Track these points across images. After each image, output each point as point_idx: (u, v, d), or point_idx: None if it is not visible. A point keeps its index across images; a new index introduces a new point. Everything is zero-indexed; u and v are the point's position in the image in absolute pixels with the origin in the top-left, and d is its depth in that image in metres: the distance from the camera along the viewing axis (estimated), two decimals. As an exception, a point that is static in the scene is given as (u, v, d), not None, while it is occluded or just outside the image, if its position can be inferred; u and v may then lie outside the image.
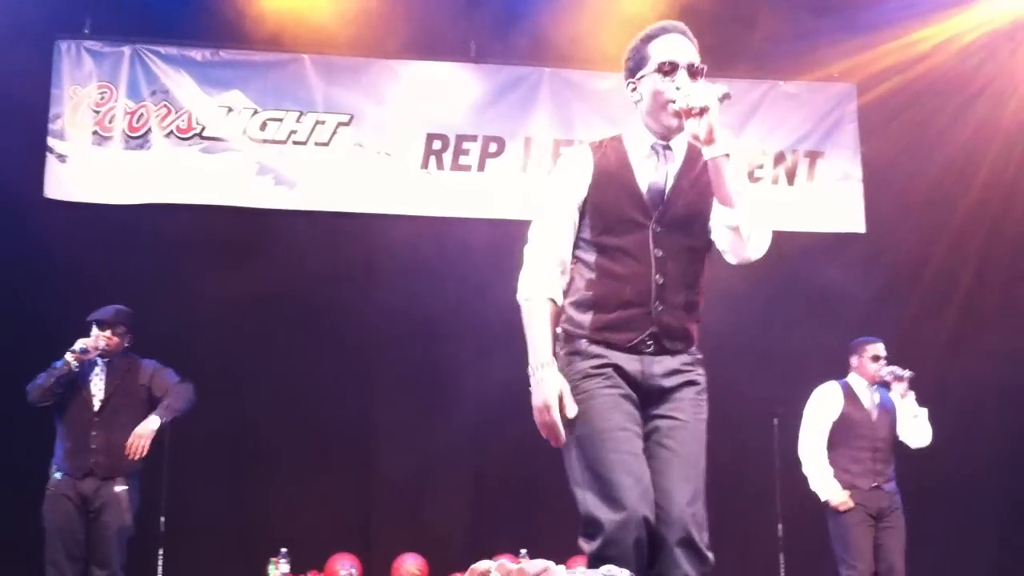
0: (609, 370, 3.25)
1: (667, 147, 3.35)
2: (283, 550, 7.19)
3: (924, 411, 6.74)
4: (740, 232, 3.18)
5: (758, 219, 3.21)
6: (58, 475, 6.31)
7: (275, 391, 8.01)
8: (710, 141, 3.11)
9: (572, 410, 3.20)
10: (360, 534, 7.96)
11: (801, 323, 8.26)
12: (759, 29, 8.47)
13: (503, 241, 8.03)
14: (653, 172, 3.33)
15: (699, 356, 3.38)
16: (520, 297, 3.36)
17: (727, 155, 3.15)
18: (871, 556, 6.55)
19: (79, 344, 6.32)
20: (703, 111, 3.08)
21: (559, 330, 3.38)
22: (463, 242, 8.27)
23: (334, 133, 8.43)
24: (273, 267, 7.94)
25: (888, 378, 6.75)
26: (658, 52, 3.32)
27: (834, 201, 8.93)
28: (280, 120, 8.38)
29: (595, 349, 3.27)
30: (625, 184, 3.31)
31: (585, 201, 3.35)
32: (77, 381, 6.39)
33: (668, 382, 3.28)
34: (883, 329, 8.35)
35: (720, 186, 3.17)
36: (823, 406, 6.82)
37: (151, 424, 6.32)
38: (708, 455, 3.35)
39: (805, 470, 6.76)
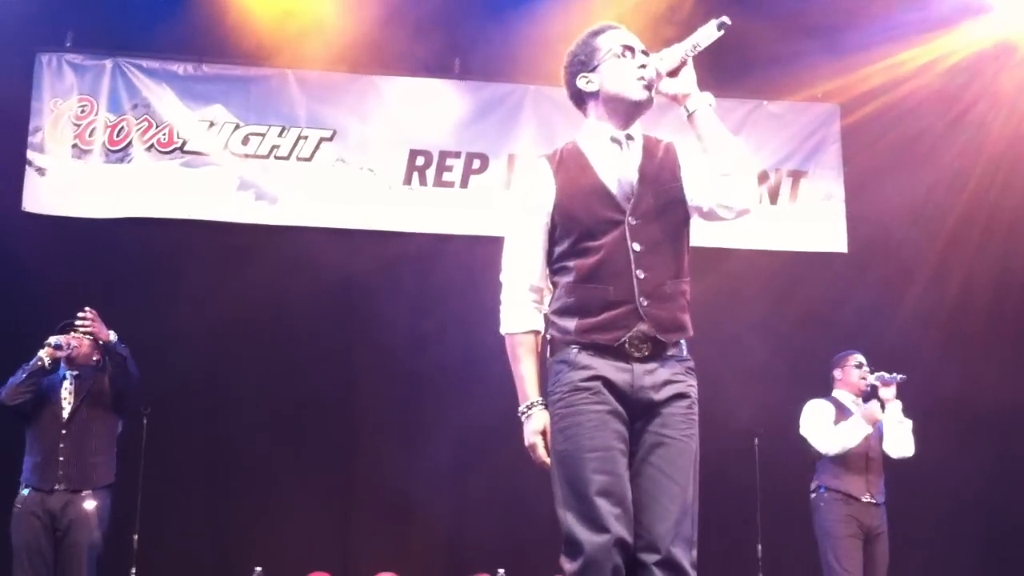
0: (598, 384, 3.16)
1: (629, 136, 3.32)
2: (258, 568, 7.12)
3: (909, 422, 6.64)
4: (733, 178, 3.18)
5: (747, 164, 3.23)
6: (26, 491, 6.23)
7: (253, 407, 7.96)
8: (693, 92, 3.19)
9: (555, 442, 3.21)
10: (337, 552, 7.88)
11: (783, 342, 8.26)
12: (744, 49, 8.46)
13: (486, 257, 8.00)
14: (618, 164, 3.28)
15: (690, 363, 3.29)
16: (503, 331, 3.35)
17: (711, 104, 3.20)
18: (862, 569, 6.40)
19: (53, 339, 6.28)
20: (680, 68, 3.18)
21: (547, 336, 3.33)
22: (446, 259, 8.24)
23: (316, 148, 8.40)
24: (254, 283, 7.89)
25: (877, 383, 6.66)
26: (611, 40, 3.33)
27: (817, 221, 8.93)
28: (262, 135, 8.35)
29: (584, 359, 3.19)
30: (593, 185, 3.25)
31: (553, 214, 3.29)
32: (48, 393, 6.33)
33: (658, 395, 3.19)
34: (866, 349, 8.37)
35: (709, 134, 3.19)
36: (818, 414, 6.64)
37: (106, 334, 6.29)
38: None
39: (846, 444, 6.48)
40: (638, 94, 3.25)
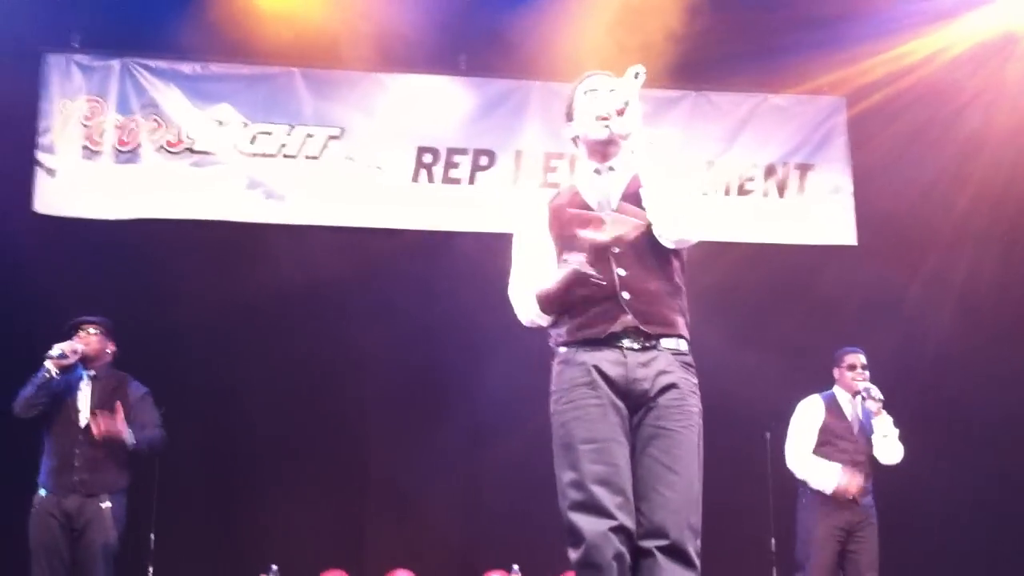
0: (595, 378, 3.35)
1: (610, 168, 3.61)
2: (273, 567, 7.14)
3: (895, 432, 6.73)
4: (667, 211, 3.41)
5: (687, 201, 3.44)
6: (42, 492, 6.27)
7: (266, 405, 7.97)
8: (634, 132, 3.43)
9: None
10: (352, 550, 7.90)
11: (793, 336, 8.27)
12: (748, 43, 8.47)
13: (494, 255, 8.03)
14: (601, 189, 3.59)
15: (688, 359, 3.48)
16: (532, 315, 3.58)
17: (650, 142, 3.46)
18: (830, 573, 6.59)
19: (56, 349, 6.28)
20: (623, 109, 3.41)
21: (549, 345, 3.55)
22: (454, 256, 8.26)
23: (324, 147, 8.41)
24: (263, 281, 7.88)
25: (863, 393, 6.76)
26: (581, 89, 3.65)
27: (825, 213, 8.93)
28: (270, 134, 8.36)
29: (580, 356, 3.40)
30: (579, 205, 3.57)
31: (551, 235, 3.58)
32: (65, 396, 6.36)
33: (652, 386, 3.36)
34: (874, 342, 8.37)
35: (647, 170, 3.45)
36: (805, 417, 6.87)
37: (126, 435, 6.33)
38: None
39: (800, 476, 6.77)
40: (597, 133, 3.55)
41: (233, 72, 8.45)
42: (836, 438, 6.77)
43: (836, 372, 6.96)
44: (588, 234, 3.48)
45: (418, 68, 8.62)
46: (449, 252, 8.29)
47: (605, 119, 3.49)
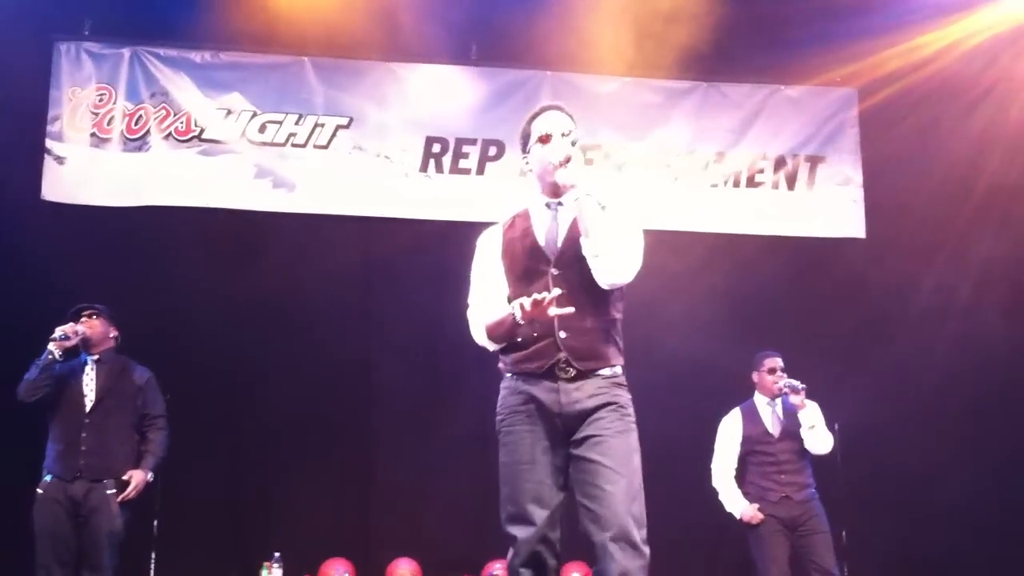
0: (531, 406, 3.80)
1: (559, 203, 3.94)
2: (276, 554, 7.15)
3: (821, 421, 6.80)
4: (599, 260, 3.74)
5: (618, 249, 3.74)
6: (48, 478, 6.28)
7: (272, 394, 7.98)
8: (576, 183, 3.78)
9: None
10: (356, 538, 7.91)
11: (800, 328, 8.24)
12: (761, 34, 8.44)
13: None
14: (549, 225, 3.93)
15: (620, 379, 3.86)
16: (483, 341, 3.94)
17: (589, 194, 3.76)
18: (785, 563, 6.69)
19: (58, 331, 6.30)
20: (567, 161, 3.79)
21: (498, 367, 4.00)
22: (462, 246, 8.20)
23: (333, 136, 8.42)
24: (272, 270, 7.90)
25: (786, 391, 6.82)
26: (537, 127, 3.96)
27: (834, 206, 8.90)
28: (279, 122, 8.36)
29: (519, 385, 3.84)
30: (527, 242, 3.92)
31: (503, 266, 3.95)
32: (69, 381, 6.37)
33: (587, 405, 3.76)
34: (883, 336, 8.35)
35: (582, 221, 3.77)
36: (724, 436, 7.03)
37: (149, 476, 6.43)
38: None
39: (720, 497, 6.94)
40: (552, 177, 3.87)
41: (243, 61, 8.46)
42: (758, 444, 6.91)
43: (755, 376, 7.08)
44: (535, 275, 3.84)
45: (429, 58, 8.61)
46: (457, 242, 8.24)
47: (553, 165, 3.81)
